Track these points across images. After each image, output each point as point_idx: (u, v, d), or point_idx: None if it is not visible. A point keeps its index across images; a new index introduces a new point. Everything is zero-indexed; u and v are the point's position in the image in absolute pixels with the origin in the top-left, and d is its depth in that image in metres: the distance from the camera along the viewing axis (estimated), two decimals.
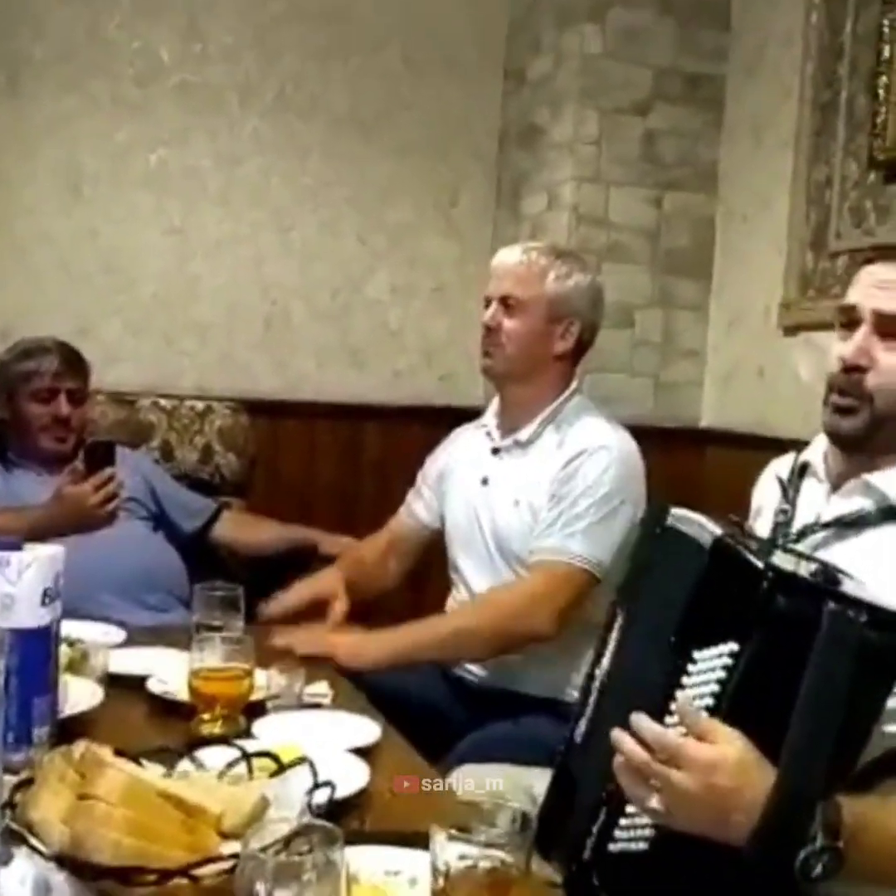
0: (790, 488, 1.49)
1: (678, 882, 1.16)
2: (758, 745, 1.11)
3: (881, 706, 1.14)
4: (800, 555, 1.31)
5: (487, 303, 2.17)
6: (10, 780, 1.11)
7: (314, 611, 2.22)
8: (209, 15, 3.43)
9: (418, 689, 2.04)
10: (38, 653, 1.34)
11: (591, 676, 1.41)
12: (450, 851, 0.94)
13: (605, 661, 1.39)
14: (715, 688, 1.14)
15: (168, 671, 1.71)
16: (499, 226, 3.69)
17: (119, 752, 1.13)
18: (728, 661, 1.13)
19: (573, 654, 1.99)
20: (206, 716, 1.54)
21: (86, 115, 3.34)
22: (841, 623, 1.10)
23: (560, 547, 2.01)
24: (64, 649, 1.56)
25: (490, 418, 2.26)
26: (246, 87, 3.48)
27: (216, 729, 1.52)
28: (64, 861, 0.97)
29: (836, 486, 1.43)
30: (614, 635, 1.39)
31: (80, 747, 1.11)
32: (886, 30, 2.60)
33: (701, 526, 1.29)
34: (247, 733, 1.49)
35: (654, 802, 1.12)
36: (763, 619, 1.12)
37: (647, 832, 1.19)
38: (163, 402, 3.10)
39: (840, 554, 1.31)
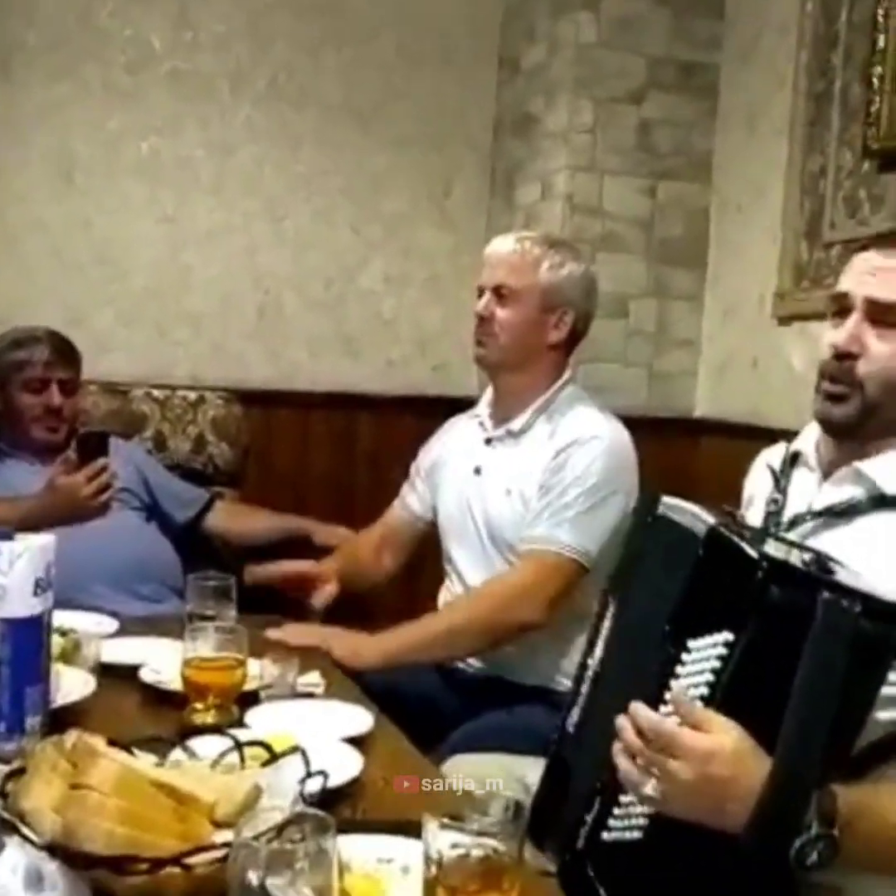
0: (782, 478, 1.49)
1: (673, 871, 1.16)
2: (752, 735, 1.11)
3: (875, 695, 1.14)
4: (791, 543, 1.31)
5: (480, 292, 2.17)
6: (2, 769, 1.11)
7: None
8: (200, 3, 3.41)
9: (411, 680, 2.04)
10: (30, 642, 1.33)
11: (583, 665, 1.41)
12: (442, 840, 0.94)
13: (598, 651, 1.39)
14: (709, 677, 1.14)
15: (161, 661, 1.71)
16: (493, 215, 3.68)
17: (111, 742, 1.13)
18: (723, 650, 1.13)
19: (565, 643, 2.00)
20: (198, 705, 1.54)
21: (77, 102, 3.33)
22: (835, 613, 1.10)
23: (549, 536, 2.02)
24: (56, 639, 1.55)
25: (483, 408, 2.26)
26: (237, 75, 3.46)
27: (209, 718, 1.52)
28: (56, 850, 0.96)
29: (827, 474, 1.43)
30: (607, 624, 1.39)
31: (72, 737, 1.10)
32: (881, 19, 2.59)
33: (694, 515, 1.29)
34: (240, 723, 1.49)
35: (650, 789, 1.12)
36: (758, 608, 1.12)
37: (642, 821, 1.19)
38: (155, 392, 3.09)
39: (831, 542, 1.31)
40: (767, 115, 3.10)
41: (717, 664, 1.14)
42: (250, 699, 1.60)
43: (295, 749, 1.21)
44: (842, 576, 1.16)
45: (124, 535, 2.47)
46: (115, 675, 1.67)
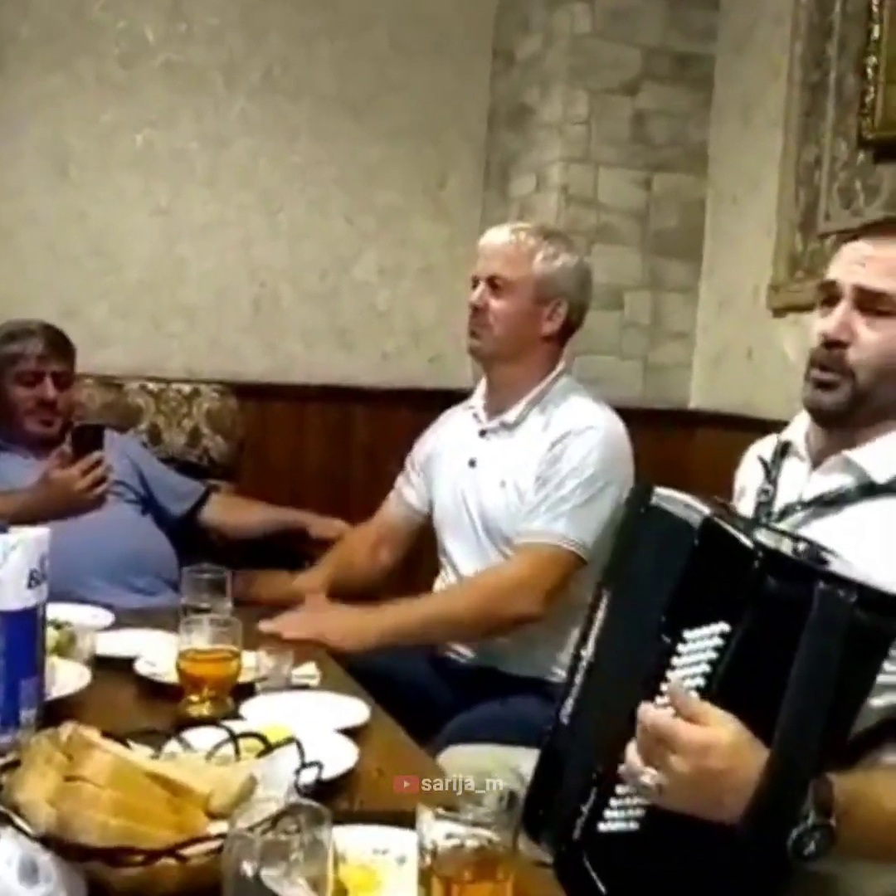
0: (772, 468, 1.49)
1: (670, 862, 1.16)
2: (749, 725, 1.11)
3: (871, 685, 1.14)
4: (783, 533, 1.32)
5: (475, 283, 2.17)
6: None
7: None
8: None
9: (405, 671, 2.04)
10: (24, 635, 1.33)
11: (577, 657, 1.42)
12: (437, 830, 0.94)
13: (592, 642, 1.39)
14: (706, 668, 1.14)
15: (156, 653, 1.71)
16: (487, 207, 3.68)
17: (106, 734, 1.12)
18: (719, 641, 1.13)
19: (559, 634, 2.00)
20: (193, 697, 1.54)
21: (71, 95, 3.32)
22: (832, 603, 1.10)
23: (546, 529, 2.02)
24: (51, 632, 1.55)
25: (477, 400, 2.26)
26: (231, 67, 3.45)
27: (204, 710, 1.51)
28: (50, 842, 0.96)
29: (816, 464, 1.43)
30: (600, 615, 1.39)
31: (67, 729, 1.10)
32: (876, 9, 2.58)
33: (687, 505, 1.29)
34: (235, 715, 1.49)
35: (647, 779, 1.12)
36: (754, 599, 1.12)
37: (639, 812, 1.19)
38: (150, 385, 3.08)
39: (821, 531, 1.31)
40: (762, 106, 3.10)
41: (713, 655, 1.13)
42: (245, 691, 1.59)
43: (290, 740, 1.21)
44: (835, 566, 1.17)
45: (119, 529, 2.46)
46: (111, 668, 1.67)
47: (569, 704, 1.41)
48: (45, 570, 1.35)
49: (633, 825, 1.20)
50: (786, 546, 1.19)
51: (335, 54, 3.53)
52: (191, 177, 3.45)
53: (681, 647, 1.17)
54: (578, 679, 1.40)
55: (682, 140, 3.35)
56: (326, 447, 3.55)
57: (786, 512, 1.40)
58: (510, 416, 2.15)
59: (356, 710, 1.55)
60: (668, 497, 1.35)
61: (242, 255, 3.52)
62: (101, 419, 2.73)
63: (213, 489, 2.85)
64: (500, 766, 1.65)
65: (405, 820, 1.04)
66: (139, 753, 1.17)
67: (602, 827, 1.22)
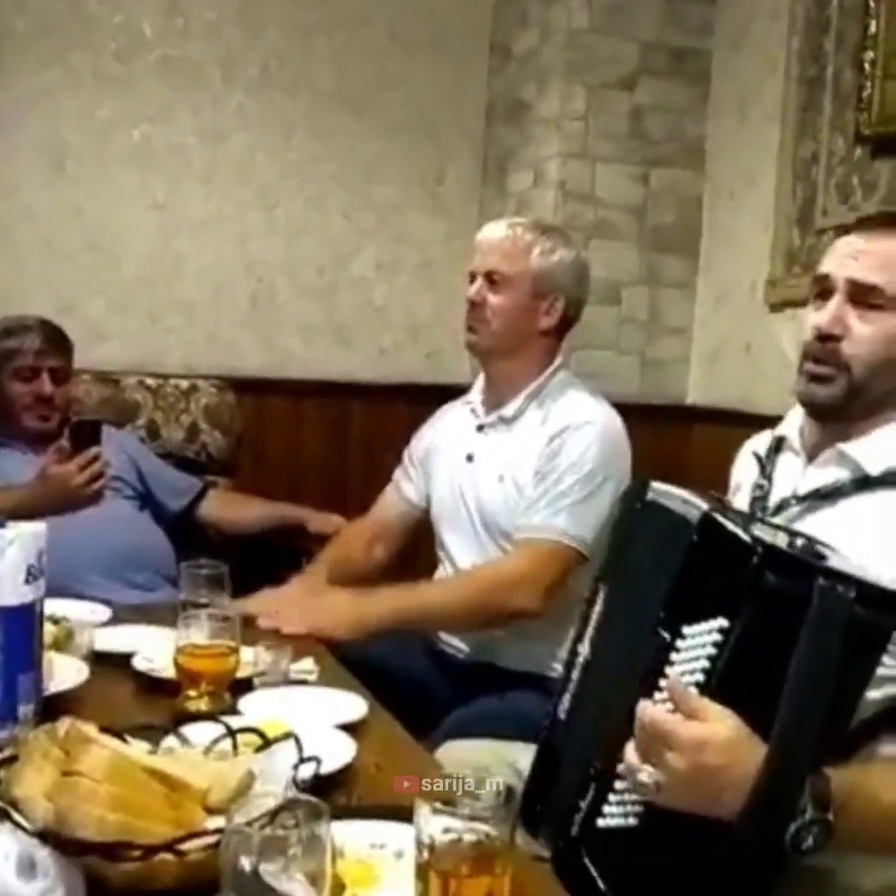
0: (767, 463, 1.49)
1: (668, 857, 1.16)
2: (747, 721, 1.11)
3: (869, 680, 1.14)
4: (779, 527, 1.32)
5: (472, 278, 2.17)
6: None
7: None
8: None
9: (403, 666, 2.05)
10: (21, 630, 1.33)
11: (574, 652, 1.42)
12: (434, 825, 0.94)
13: (589, 637, 1.39)
14: (705, 664, 1.14)
15: (154, 649, 1.70)
16: (485, 203, 3.68)
17: (104, 729, 1.12)
18: (718, 637, 1.13)
19: (558, 629, 1.99)
20: (191, 692, 1.54)
21: (68, 89, 3.31)
22: (831, 599, 1.10)
23: (545, 524, 2.02)
24: (49, 627, 1.55)
25: (475, 395, 2.26)
26: (229, 62, 3.45)
27: (202, 705, 1.51)
28: (48, 837, 0.96)
29: (811, 458, 1.43)
30: (597, 611, 1.39)
31: (64, 724, 1.10)
32: (872, 4, 2.58)
33: (684, 501, 1.29)
34: (232, 710, 1.49)
35: (645, 777, 1.12)
36: (753, 594, 1.12)
37: (637, 808, 1.19)
38: (148, 380, 3.08)
39: (816, 525, 1.32)
40: (759, 101, 3.10)
41: (712, 651, 1.14)
42: (243, 686, 1.59)
43: (288, 735, 1.21)
44: (833, 561, 1.17)
45: (117, 524, 2.46)
46: (108, 663, 1.67)
47: (565, 700, 1.41)
48: (42, 566, 1.35)
49: (631, 821, 1.20)
50: (782, 541, 1.20)
51: (333, 49, 3.53)
52: (188, 172, 3.45)
53: (679, 643, 1.17)
54: (575, 675, 1.40)
55: (680, 135, 3.35)
56: (324, 442, 3.55)
57: (781, 506, 1.40)
58: (508, 410, 2.15)
59: (354, 706, 1.55)
60: (665, 492, 1.35)
61: (240, 251, 3.51)
62: (99, 414, 2.73)
63: (210, 485, 2.85)
64: (497, 761, 1.65)
65: (403, 815, 1.04)
66: (137, 748, 1.17)
67: (600, 822, 1.22)
